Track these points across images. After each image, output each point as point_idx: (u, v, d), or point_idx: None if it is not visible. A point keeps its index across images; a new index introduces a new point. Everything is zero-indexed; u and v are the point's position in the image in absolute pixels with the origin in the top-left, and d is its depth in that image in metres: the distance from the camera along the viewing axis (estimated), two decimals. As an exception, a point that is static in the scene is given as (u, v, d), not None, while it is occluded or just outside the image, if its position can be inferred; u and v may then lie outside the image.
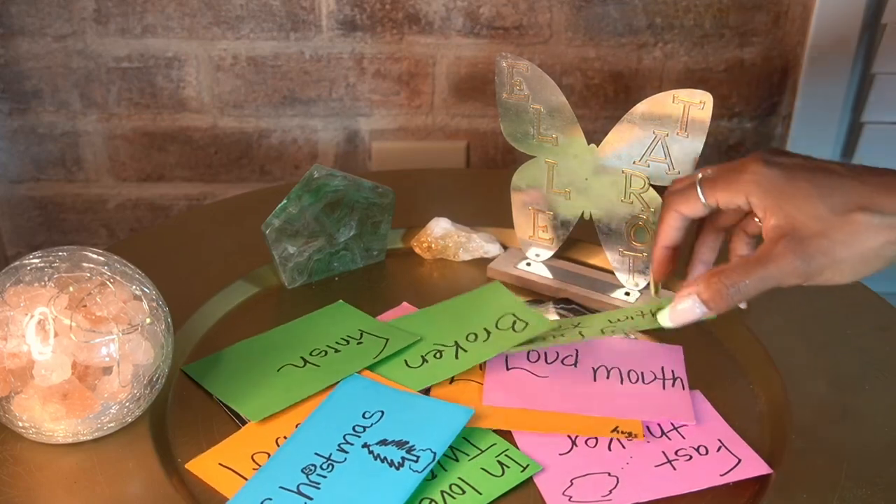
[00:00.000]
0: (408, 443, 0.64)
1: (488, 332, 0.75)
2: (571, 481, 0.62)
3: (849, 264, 0.58)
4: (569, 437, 0.66)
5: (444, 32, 1.12)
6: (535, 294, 0.83)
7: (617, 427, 0.66)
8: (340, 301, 0.81)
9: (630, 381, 0.71)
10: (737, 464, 0.64)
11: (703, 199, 0.62)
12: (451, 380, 0.71)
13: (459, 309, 0.79)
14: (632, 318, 0.70)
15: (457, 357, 0.73)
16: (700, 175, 0.63)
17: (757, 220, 0.61)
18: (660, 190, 0.77)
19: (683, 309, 0.62)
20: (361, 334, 0.76)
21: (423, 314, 0.79)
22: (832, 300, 0.82)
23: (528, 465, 0.63)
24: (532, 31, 1.12)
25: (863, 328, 0.77)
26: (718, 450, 0.65)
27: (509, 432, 0.66)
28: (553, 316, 0.80)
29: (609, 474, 0.63)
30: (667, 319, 0.64)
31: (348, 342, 0.75)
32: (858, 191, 0.58)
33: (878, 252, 0.57)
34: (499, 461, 0.64)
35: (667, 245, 0.67)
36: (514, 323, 0.76)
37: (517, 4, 1.10)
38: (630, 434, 0.65)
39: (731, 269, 0.60)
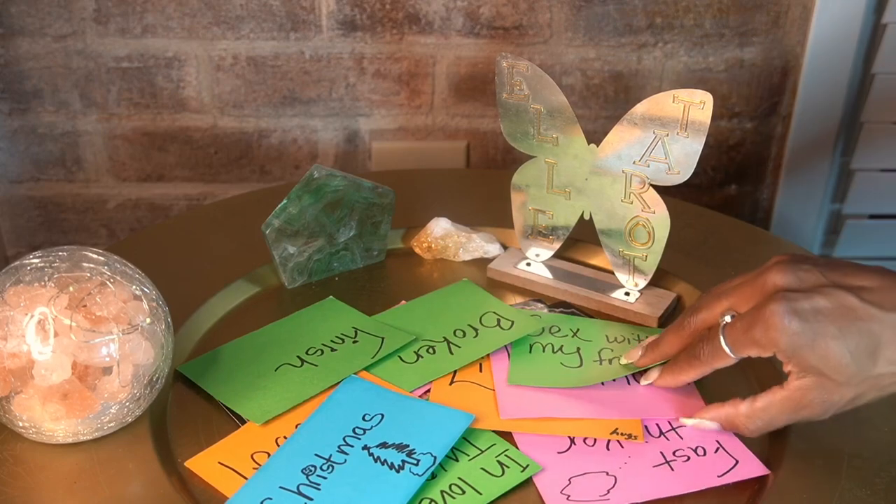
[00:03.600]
0: (408, 446, 0.64)
1: (476, 330, 0.76)
2: (570, 480, 0.62)
3: (866, 400, 0.61)
4: (567, 436, 0.66)
5: (444, 32, 1.12)
6: (534, 294, 0.83)
7: (616, 429, 0.66)
8: (331, 297, 0.81)
9: (637, 381, 0.71)
10: (734, 465, 0.64)
11: (732, 355, 0.63)
12: (451, 382, 0.71)
13: (434, 306, 0.80)
14: (628, 341, 0.75)
15: (451, 352, 0.73)
16: (722, 323, 0.63)
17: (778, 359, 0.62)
18: (660, 190, 0.77)
19: (704, 427, 0.67)
20: (356, 332, 0.76)
21: (399, 311, 0.79)
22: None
23: (527, 466, 0.63)
24: (532, 31, 1.12)
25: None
26: (716, 451, 0.65)
27: (509, 431, 0.67)
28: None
29: (607, 474, 0.63)
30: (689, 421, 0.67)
31: (343, 340, 0.75)
32: (885, 341, 0.58)
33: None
34: (498, 461, 0.64)
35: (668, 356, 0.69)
36: (500, 321, 0.77)
37: (517, 4, 1.10)
38: (630, 436, 0.65)
39: (756, 410, 0.63)
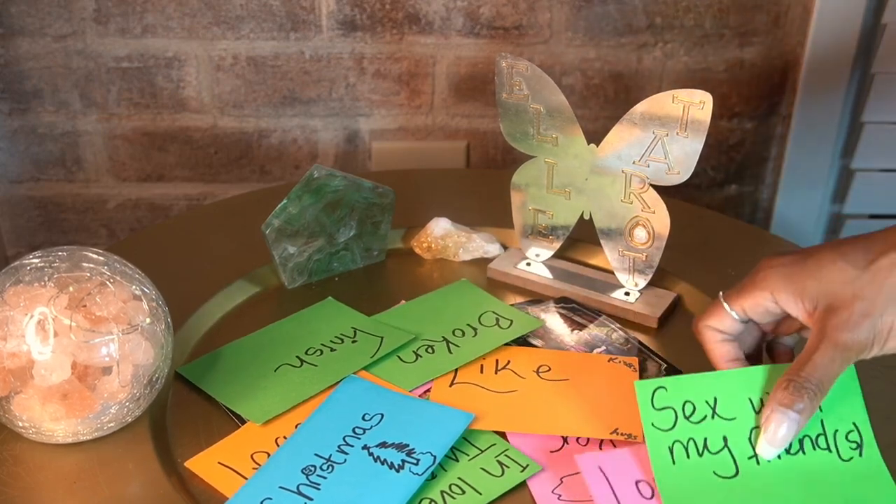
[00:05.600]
0: (408, 446, 0.64)
1: (475, 329, 0.76)
2: (561, 480, 0.62)
3: (893, 310, 0.56)
4: (561, 435, 0.66)
5: (444, 32, 1.12)
6: (535, 294, 0.83)
7: (617, 429, 0.66)
8: (330, 298, 0.81)
9: None
10: None
11: (728, 309, 0.62)
12: (452, 383, 0.71)
13: (433, 306, 0.80)
14: None
15: (450, 352, 0.74)
16: (722, 292, 0.63)
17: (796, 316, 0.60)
18: (660, 190, 0.77)
19: (783, 430, 0.58)
20: (355, 332, 0.76)
21: (398, 311, 0.79)
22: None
23: (527, 465, 0.63)
24: (532, 31, 1.12)
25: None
26: None
27: (505, 430, 0.67)
28: (554, 315, 0.80)
29: None
30: (769, 450, 0.59)
31: (342, 340, 0.75)
32: (874, 241, 0.57)
33: None
34: (498, 461, 0.64)
35: (726, 361, 0.64)
36: (499, 320, 0.77)
37: (517, 4, 1.10)
38: (630, 436, 0.65)
39: (797, 370, 0.58)
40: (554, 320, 0.79)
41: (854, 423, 0.60)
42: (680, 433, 0.60)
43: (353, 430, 0.65)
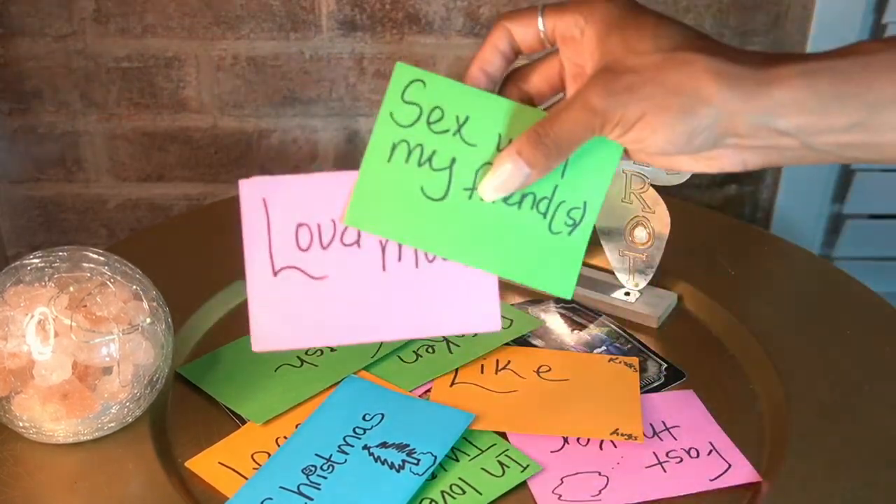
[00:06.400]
0: (408, 446, 0.64)
1: None
2: (562, 480, 0.62)
3: (655, 103, 0.50)
4: (562, 435, 0.66)
5: (444, 32, 1.12)
6: (535, 294, 0.83)
7: (617, 429, 0.66)
8: None
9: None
10: (726, 469, 0.64)
11: (539, 18, 0.55)
12: (452, 383, 0.71)
13: None
14: None
15: (450, 352, 0.74)
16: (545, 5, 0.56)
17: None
18: (660, 189, 0.77)
19: (507, 177, 0.53)
20: None
21: None
22: (832, 300, 0.82)
23: (528, 466, 0.63)
24: (532, 31, 1.11)
25: (863, 328, 0.77)
26: (709, 453, 0.65)
27: (506, 430, 0.67)
28: (554, 315, 0.80)
29: (600, 474, 0.63)
30: (488, 192, 0.53)
31: (343, 340, 0.75)
32: (698, 35, 0.51)
33: (688, 93, 0.49)
34: (499, 461, 0.64)
35: (481, 68, 0.58)
36: None
37: (517, 4, 1.10)
38: (630, 436, 0.65)
39: (544, 123, 0.52)
40: (554, 320, 0.79)
41: (584, 203, 0.55)
42: (413, 135, 0.54)
43: (354, 430, 0.65)
